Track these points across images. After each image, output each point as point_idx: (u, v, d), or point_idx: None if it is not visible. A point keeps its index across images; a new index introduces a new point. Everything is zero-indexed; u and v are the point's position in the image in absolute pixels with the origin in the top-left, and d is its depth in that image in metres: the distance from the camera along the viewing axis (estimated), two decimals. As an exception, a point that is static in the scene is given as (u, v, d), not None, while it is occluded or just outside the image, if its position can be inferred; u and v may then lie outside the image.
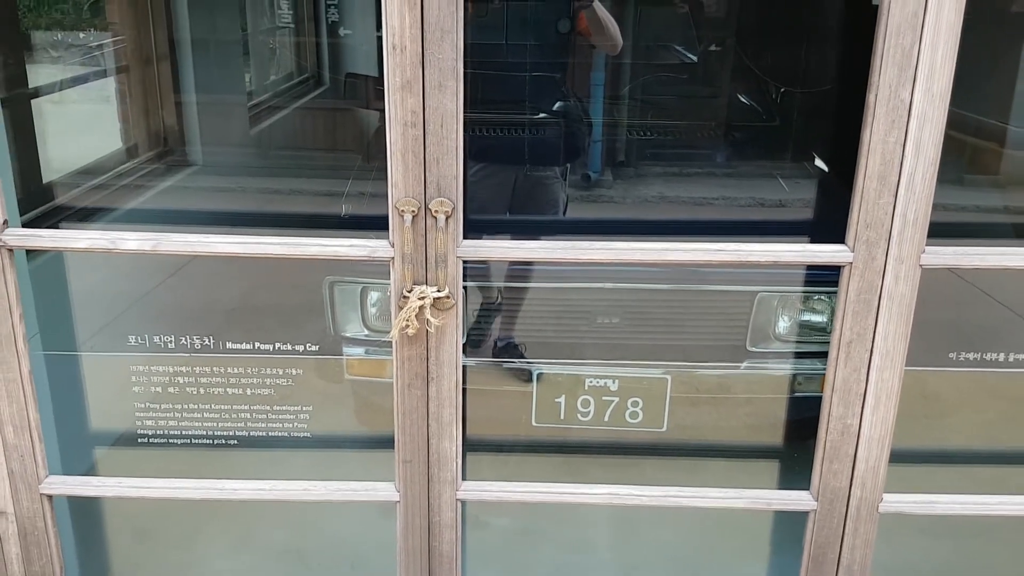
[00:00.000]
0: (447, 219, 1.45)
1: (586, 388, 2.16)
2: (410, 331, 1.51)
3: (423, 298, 1.49)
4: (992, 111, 2.70)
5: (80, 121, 1.87)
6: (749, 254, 1.54)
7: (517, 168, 2.56)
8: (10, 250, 1.50)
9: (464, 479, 1.67)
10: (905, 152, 1.43)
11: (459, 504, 1.67)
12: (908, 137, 1.42)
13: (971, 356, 1.85)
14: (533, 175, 2.58)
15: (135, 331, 1.72)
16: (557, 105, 2.70)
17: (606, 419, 2.15)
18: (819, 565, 1.70)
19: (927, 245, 1.49)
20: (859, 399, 1.59)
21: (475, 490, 1.68)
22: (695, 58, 3.25)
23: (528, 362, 2.28)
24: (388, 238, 1.49)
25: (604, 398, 2.15)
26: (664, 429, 2.14)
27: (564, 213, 2.66)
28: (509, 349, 2.37)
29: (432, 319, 1.50)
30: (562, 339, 2.34)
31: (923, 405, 2.21)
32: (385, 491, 1.67)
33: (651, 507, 1.69)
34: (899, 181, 1.45)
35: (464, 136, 1.40)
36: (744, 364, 2.29)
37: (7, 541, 1.68)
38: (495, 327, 2.39)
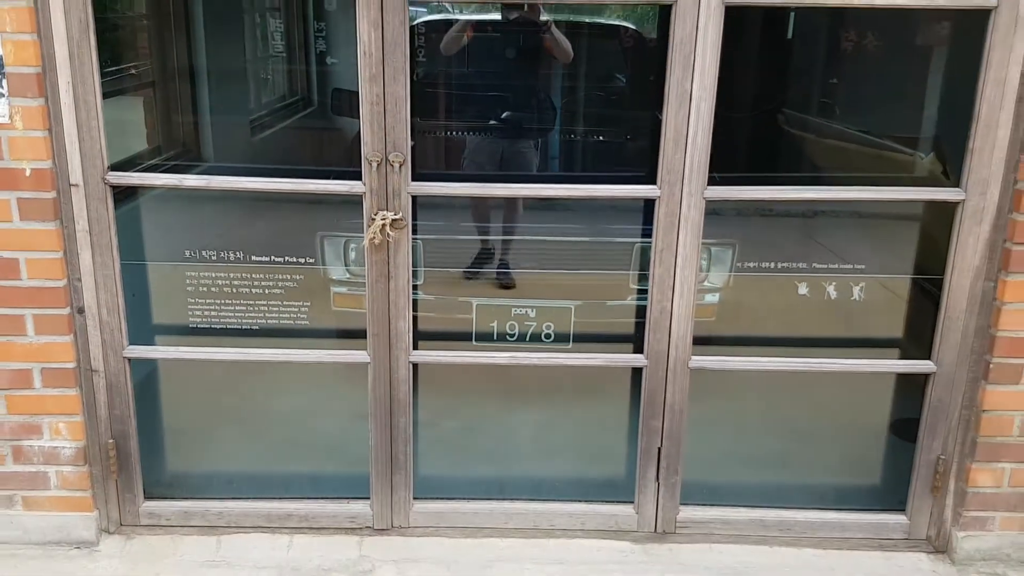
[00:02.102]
0: (400, 166, 2.27)
1: (512, 315, 2.95)
2: (376, 241, 2.31)
3: (384, 220, 2.30)
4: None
5: (115, 127, 2.54)
6: (592, 191, 2.38)
7: (503, 142, 3.42)
8: (111, 186, 2.28)
9: (415, 349, 2.47)
10: (689, 123, 2.26)
11: (410, 364, 2.47)
12: (691, 113, 2.26)
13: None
14: (514, 147, 3.44)
15: (189, 247, 2.52)
16: (533, 102, 3.57)
17: (527, 339, 2.93)
18: (651, 405, 2.52)
19: (708, 185, 2.32)
20: (670, 289, 2.41)
21: (420, 355, 2.48)
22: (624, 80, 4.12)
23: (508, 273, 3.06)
24: (360, 180, 2.29)
25: (525, 323, 2.93)
26: (570, 346, 2.91)
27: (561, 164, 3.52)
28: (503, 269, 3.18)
29: (392, 233, 2.31)
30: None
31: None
32: (360, 356, 2.46)
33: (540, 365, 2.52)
34: (687, 142, 2.28)
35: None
36: (628, 299, 3.08)
37: (99, 391, 2.45)
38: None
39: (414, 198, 2.35)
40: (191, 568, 2.46)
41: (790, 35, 3.19)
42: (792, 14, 3.01)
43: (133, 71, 3.48)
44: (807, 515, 2.59)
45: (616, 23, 3.95)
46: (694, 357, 2.47)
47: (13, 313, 2.32)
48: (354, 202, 2.34)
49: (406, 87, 2.21)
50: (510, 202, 3.15)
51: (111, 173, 2.28)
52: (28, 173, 2.21)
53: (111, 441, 2.48)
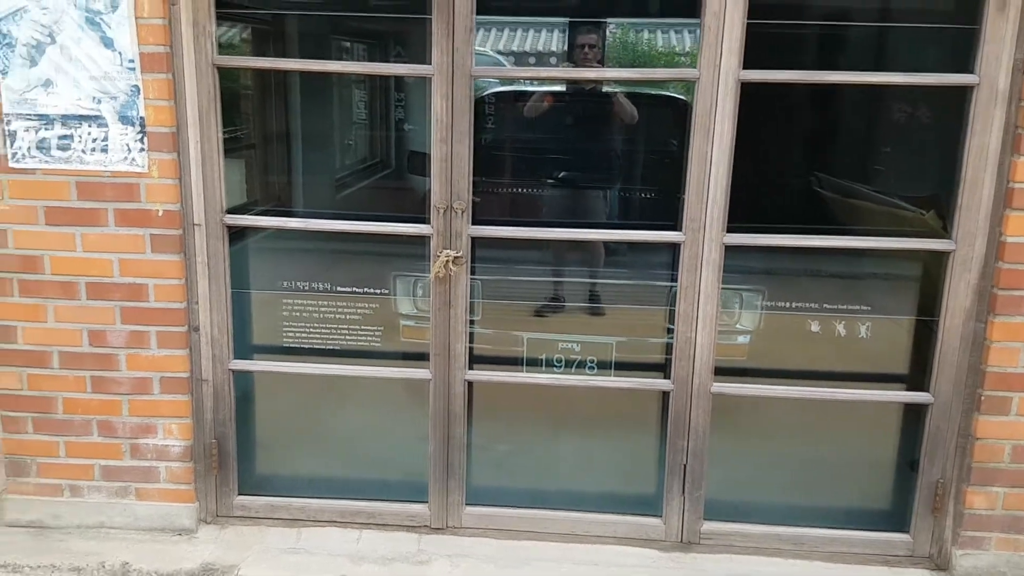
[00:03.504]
0: (462, 212, 2.70)
1: (559, 349, 3.32)
2: (440, 275, 2.74)
3: (448, 257, 2.73)
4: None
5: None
6: (626, 234, 2.78)
7: (574, 196, 3.89)
8: (226, 226, 2.77)
9: (470, 369, 2.86)
10: (710, 180, 2.65)
11: (466, 382, 2.86)
12: (711, 172, 2.64)
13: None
14: (585, 200, 3.90)
15: (286, 279, 3.01)
16: (592, 162, 4.02)
17: (573, 369, 3.29)
18: (677, 426, 2.85)
19: (727, 232, 2.69)
20: (694, 321, 2.76)
21: (474, 374, 2.88)
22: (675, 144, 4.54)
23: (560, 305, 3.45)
24: (429, 223, 2.73)
25: (571, 356, 3.30)
26: (611, 374, 3.25)
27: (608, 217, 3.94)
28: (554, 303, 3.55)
29: (453, 268, 2.73)
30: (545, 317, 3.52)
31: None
32: (423, 373, 2.87)
33: (577, 386, 2.88)
34: (707, 196, 2.66)
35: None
36: (663, 335, 3.42)
37: (206, 398, 2.91)
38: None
39: (473, 239, 2.78)
40: (276, 554, 2.86)
41: (815, 107, 3.57)
42: (812, 90, 3.39)
43: (239, 134, 4.03)
44: (818, 532, 2.86)
45: (670, 94, 4.39)
46: (715, 384, 2.80)
47: (141, 329, 2.81)
48: (422, 246, 2.78)
49: (469, 147, 2.66)
50: (594, 248, 3.50)
51: (227, 216, 2.77)
52: (160, 213, 2.72)
53: (213, 441, 2.93)
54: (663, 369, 2.94)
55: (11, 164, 2.66)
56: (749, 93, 2.61)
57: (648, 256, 3.34)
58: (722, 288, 2.80)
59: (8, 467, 2.94)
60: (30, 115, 2.62)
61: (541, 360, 3.11)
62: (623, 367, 3.04)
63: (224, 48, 2.84)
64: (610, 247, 3.44)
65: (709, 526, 2.90)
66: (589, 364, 3.11)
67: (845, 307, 2.91)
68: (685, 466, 2.87)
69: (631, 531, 2.93)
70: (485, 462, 3.08)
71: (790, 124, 3.59)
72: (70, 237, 2.72)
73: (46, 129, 2.63)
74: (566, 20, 4.49)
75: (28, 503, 2.96)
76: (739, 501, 2.97)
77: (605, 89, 3.77)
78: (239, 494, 3.00)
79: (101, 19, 2.54)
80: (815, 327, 2.92)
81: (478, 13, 2.60)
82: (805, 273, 3.16)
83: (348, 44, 4.80)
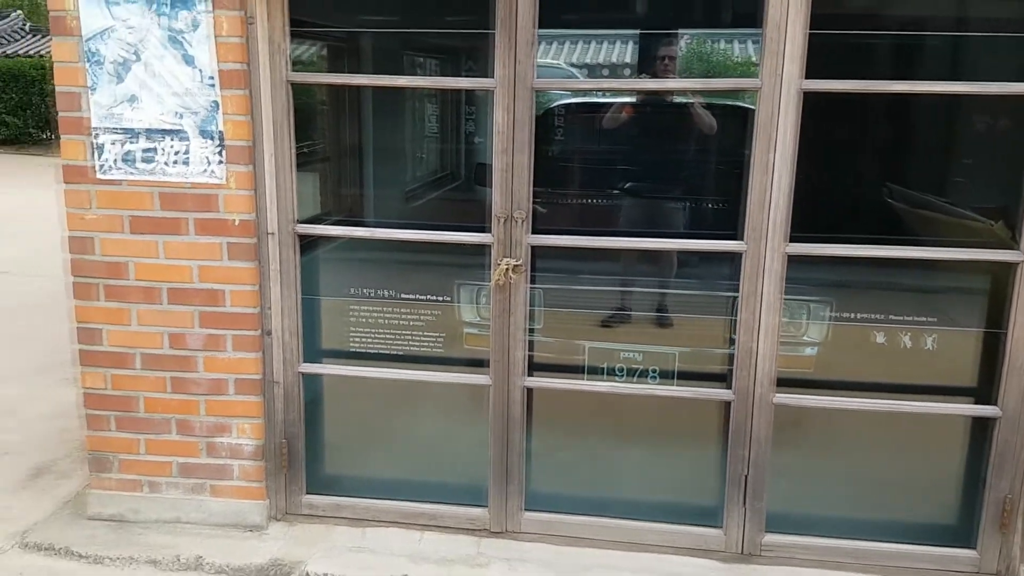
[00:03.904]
0: (522, 221, 2.76)
1: (620, 358, 3.34)
2: (500, 283, 2.79)
3: (508, 265, 2.78)
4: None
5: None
6: (687, 244, 2.77)
7: (647, 206, 3.94)
8: (298, 235, 2.89)
9: (529, 376, 2.91)
10: (772, 189, 2.64)
11: (525, 388, 2.91)
12: (773, 181, 2.63)
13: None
14: (661, 211, 3.93)
15: (353, 286, 3.11)
16: (661, 173, 4.04)
17: (634, 378, 3.30)
18: (738, 436, 2.83)
19: (789, 241, 2.67)
20: (755, 331, 2.75)
21: (532, 381, 2.92)
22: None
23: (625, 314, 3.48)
24: (490, 232, 2.79)
25: (632, 365, 3.31)
26: (674, 383, 3.25)
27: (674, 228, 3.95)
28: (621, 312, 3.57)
29: (513, 276, 2.78)
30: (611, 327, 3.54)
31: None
32: (483, 379, 2.93)
33: (637, 395, 2.89)
34: (769, 205, 2.65)
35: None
36: (726, 345, 3.40)
37: (277, 399, 3.03)
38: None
39: (533, 248, 2.82)
40: (341, 552, 2.95)
41: (887, 118, 3.51)
42: (885, 100, 3.33)
43: (313, 148, 4.18)
44: (881, 546, 2.80)
45: (742, 104, 4.38)
46: (778, 394, 2.78)
47: (217, 333, 2.95)
48: (485, 256, 2.84)
49: (530, 158, 2.71)
50: (665, 259, 3.50)
51: (299, 225, 2.89)
52: (236, 223, 2.85)
53: (283, 441, 3.04)
54: (726, 380, 2.93)
55: (99, 175, 2.83)
56: (818, 103, 2.59)
57: (714, 266, 3.33)
58: (790, 299, 2.78)
59: (92, 463, 3.11)
60: (116, 129, 2.79)
61: (602, 369, 3.13)
62: (685, 377, 3.03)
63: (300, 65, 2.97)
64: (681, 258, 3.44)
65: (770, 538, 2.87)
66: (651, 374, 3.11)
67: (912, 319, 2.85)
68: (746, 477, 2.84)
69: (691, 541, 2.91)
70: (544, 468, 3.11)
71: (862, 134, 3.54)
72: (153, 245, 2.88)
73: (131, 142, 2.79)
74: (637, 32, 4.52)
75: (109, 498, 3.12)
76: (801, 513, 2.93)
77: (680, 100, 3.78)
78: (307, 493, 3.11)
79: (183, 38, 2.69)
80: (881, 339, 2.87)
81: (541, 27, 2.66)
82: (872, 285, 3.10)
83: (421, 59, 4.94)
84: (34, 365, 4.87)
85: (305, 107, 3.36)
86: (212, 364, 2.97)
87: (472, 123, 5.22)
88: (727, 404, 2.85)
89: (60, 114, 2.81)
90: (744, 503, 2.86)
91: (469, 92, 4.78)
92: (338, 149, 4.17)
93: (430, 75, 4.90)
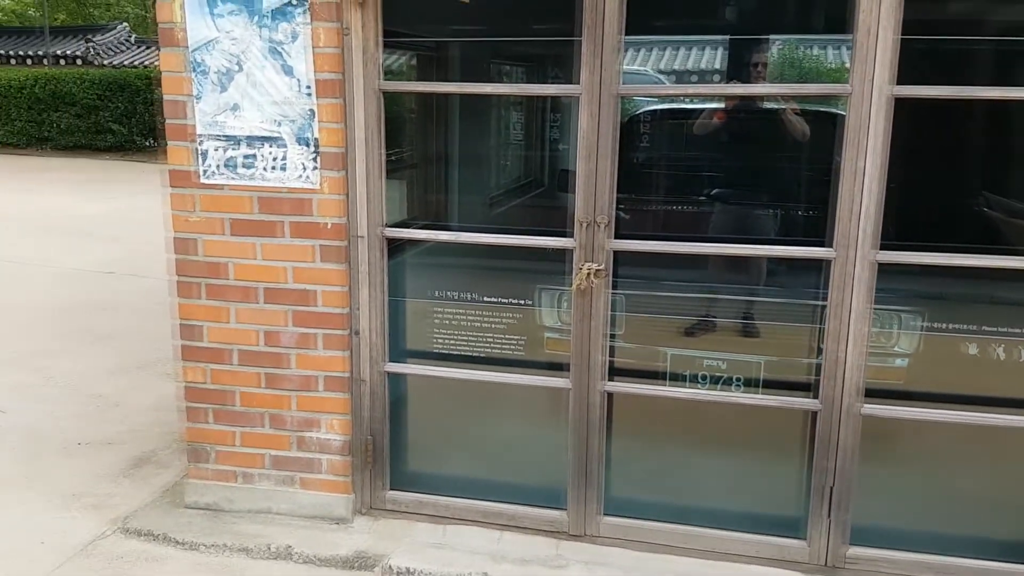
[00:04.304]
0: (604, 226, 2.78)
1: (704, 366, 3.32)
2: (582, 287, 2.82)
3: (589, 269, 2.81)
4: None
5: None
6: (774, 250, 2.75)
7: (739, 212, 3.91)
8: (386, 239, 2.98)
9: (609, 380, 2.92)
10: (863, 195, 2.59)
11: (604, 393, 2.92)
12: (863, 187, 2.59)
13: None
14: (750, 217, 3.91)
15: (437, 289, 3.19)
16: (750, 179, 4.01)
17: (718, 387, 3.28)
18: (824, 446, 2.78)
19: (879, 249, 2.61)
20: (844, 340, 2.70)
21: (612, 385, 2.93)
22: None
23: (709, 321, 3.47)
24: (572, 237, 2.82)
25: (716, 373, 3.29)
26: (758, 392, 3.21)
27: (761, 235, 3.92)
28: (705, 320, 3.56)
29: (594, 280, 2.81)
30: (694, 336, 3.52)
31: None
32: (563, 383, 2.96)
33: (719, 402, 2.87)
34: (860, 212, 2.60)
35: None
36: (813, 355, 3.34)
37: (364, 397, 3.13)
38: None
39: (615, 253, 2.84)
40: (422, 548, 3.02)
41: (988, 125, 3.39)
42: (985, 107, 3.22)
43: (402, 155, 4.29)
44: (969, 562, 2.71)
45: (833, 110, 4.29)
46: (866, 405, 2.72)
47: (309, 332, 3.06)
48: (567, 261, 2.87)
49: (613, 164, 2.74)
50: (753, 267, 3.49)
51: (387, 228, 2.98)
52: (328, 226, 2.96)
53: (369, 438, 3.14)
54: (812, 389, 2.88)
55: (202, 180, 2.98)
56: (911, 108, 2.54)
57: (802, 274, 3.29)
58: (880, 309, 2.72)
59: (190, 454, 3.27)
60: (219, 136, 2.93)
61: (685, 376, 3.12)
62: (770, 386, 3.00)
63: (390, 74, 3.06)
64: (768, 266, 3.40)
65: (855, 551, 2.81)
66: (735, 382, 3.09)
67: (1006, 331, 2.75)
68: (831, 488, 2.79)
69: (773, 552, 2.87)
70: (624, 473, 3.12)
71: (957, 142, 3.44)
72: (251, 247, 3.02)
73: (233, 149, 2.93)
74: (726, 38, 4.49)
75: (206, 487, 3.27)
76: (887, 526, 2.85)
77: (771, 105, 3.74)
78: (390, 489, 3.19)
79: (282, 49, 2.81)
80: (973, 350, 2.78)
81: (627, 33, 2.68)
82: (965, 296, 3.01)
83: (507, 67, 5.01)
84: (136, 360, 5.14)
85: (394, 115, 3.47)
86: (303, 361, 3.08)
87: (556, 130, 5.27)
88: (813, 414, 2.80)
89: (167, 121, 2.98)
90: (828, 514, 2.80)
91: (554, 99, 4.81)
92: (424, 155, 4.27)
93: (516, 82, 4.97)
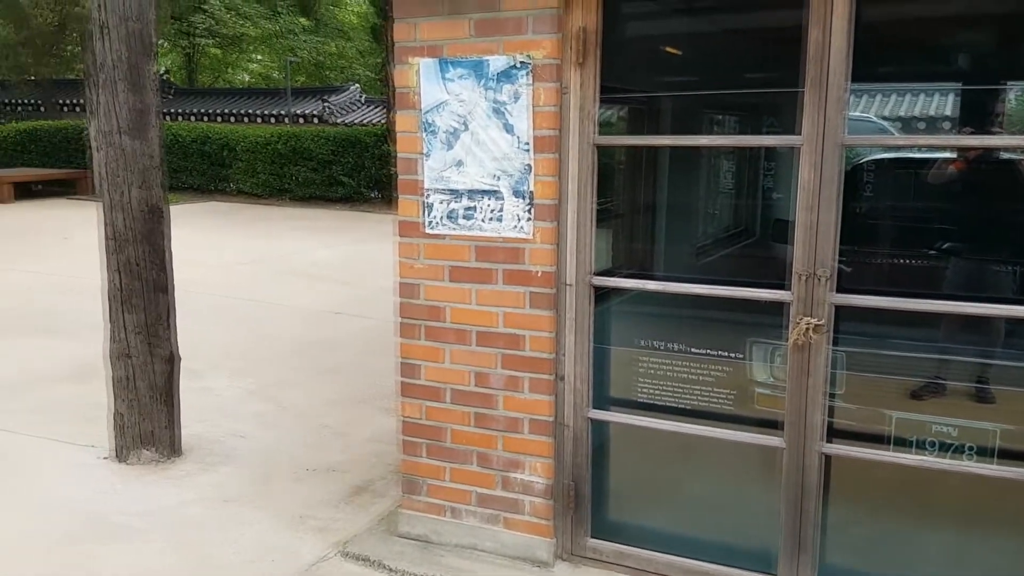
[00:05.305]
0: (825, 280, 2.67)
1: (931, 431, 3.07)
2: (799, 343, 2.72)
3: (808, 324, 2.70)
4: None
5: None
6: (1013, 310, 2.50)
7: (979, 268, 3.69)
8: (594, 287, 3.04)
9: (827, 442, 2.78)
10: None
11: (822, 455, 2.78)
12: None
13: None
14: (990, 268, 3.67)
15: (642, 338, 3.21)
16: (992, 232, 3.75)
17: (948, 455, 3.02)
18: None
19: None
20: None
21: (831, 448, 2.78)
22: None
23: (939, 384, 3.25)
24: (788, 290, 2.73)
25: (946, 441, 3.03)
26: (994, 464, 2.92)
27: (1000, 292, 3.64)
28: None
29: (813, 336, 2.70)
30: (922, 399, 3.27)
31: None
32: (776, 441, 2.84)
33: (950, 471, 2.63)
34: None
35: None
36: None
37: (566, 442, 3.17)
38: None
39: (836, 307, 2.71)
40: (622, 601, 3.00)
41: None
42: None
43: (609, 205, 4.35)
44: None
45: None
46: None
47: (515, 375, 3.16)
48: (779, 315, 2.79)
49: (836, 215, 2.64)
50: (991, 326, 3.23)
51: (594, 277, 3.04)
52: (539, 274, 3.06)
53: (571, 483, 3.17)
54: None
55: (427, 230, 3.20)
56: None
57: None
58: None
59: (404, 485, 3.46)
60: (444, 190, 3.14)
61: (911, 441, 2.90)
62: (1008, 456, 2.72)
63: (602, 127, 3.15)
64: (1008, 327, 3.11)
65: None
66: (968, 450, 2.83)
67: None
68: (1086, 581, 2.48)
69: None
70: (841, 541, 2.94)
71: None
72: (467, 292, 3.18)
73: (455, 201, 3.12)
74: (959, 85, 4.21)
75: (417, 519, 3.44)
76: None
77: (1010, 156, 3.47)
78: (591, 536, 3.20)
79: (505, 109, 2.98)
80: None
81: (853, 82, 2.59)
82: None
83: (720, 117, 4.98)
84: (357, 394, 5.52)
85: (602, 164, 3.55)
86: (510, 403, 3.19)
87: (770, 178, 5.13)
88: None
89: (400, 177, 3.23)
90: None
91: (769, 148, 4.70)
92: (632, 204, 4.31)
93: (728, 131, 4.92)
